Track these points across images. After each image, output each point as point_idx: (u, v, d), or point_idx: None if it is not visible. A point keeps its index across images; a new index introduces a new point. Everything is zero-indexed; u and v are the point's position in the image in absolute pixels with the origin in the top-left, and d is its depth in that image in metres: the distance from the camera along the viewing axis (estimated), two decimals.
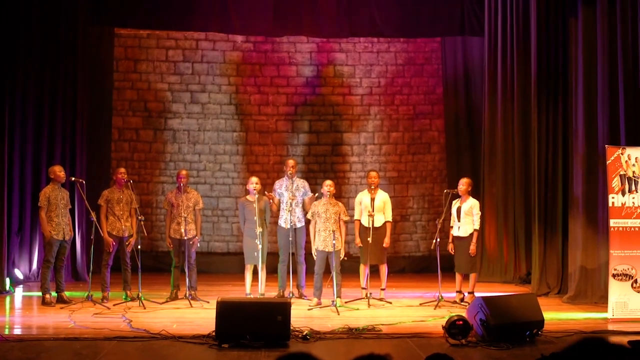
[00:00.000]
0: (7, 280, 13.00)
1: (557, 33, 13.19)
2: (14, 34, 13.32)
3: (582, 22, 12.34)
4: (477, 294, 11.50)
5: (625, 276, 10.91)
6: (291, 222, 12.27)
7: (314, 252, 11.89)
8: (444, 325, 9.19)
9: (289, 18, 14.59)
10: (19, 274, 13.70)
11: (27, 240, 13.87)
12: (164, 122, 16.46)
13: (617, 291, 10.89)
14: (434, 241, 11.83)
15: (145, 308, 11.33)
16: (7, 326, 10.36)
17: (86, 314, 10.91)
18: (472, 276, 12.10)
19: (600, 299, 11.74)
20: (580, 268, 12.18)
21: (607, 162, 11.09)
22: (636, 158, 11.05)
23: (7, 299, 12.58)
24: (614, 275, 10.92)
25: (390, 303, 12.03)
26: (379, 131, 16.71)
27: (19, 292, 13.16)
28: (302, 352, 3.12)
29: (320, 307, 11.57)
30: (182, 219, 12.05)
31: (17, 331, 10.16)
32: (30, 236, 13.89)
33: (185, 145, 16.47)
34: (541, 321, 9.50)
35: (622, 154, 11.09)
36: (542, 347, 8.78)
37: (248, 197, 12.37)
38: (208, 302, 11.56)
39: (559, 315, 11.02)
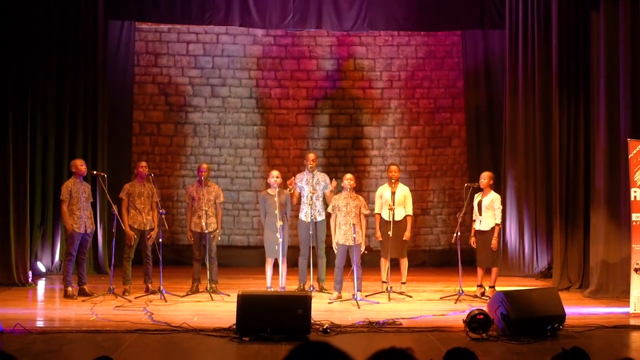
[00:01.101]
0: (30, 273, 13.08)
1: (579, 26, 13.10)
2: (34, 30, 13.35)
3: (603, 15, 12.28)
4: (497, 288, 11.48)
5: None
6: (312, 216, 12.28)
7: (334, 245, 11.89)
8: (464, 319, 9.18)
9: (309, 12, 14.56)
10: (41, 266, 13.81)
11: (49, 234, 13.97)
12: (185, 116, 16.51)
13: (639, 286, 10.83)
14: (455, 235, 11.82)
15: (166, 301, 11.38)
16: (30, 318, 10.44)
17: (108, 307, 10.97)
18: (494, 270, 12.07)
19: (622, 294, 11.67)
20: (601, 262, 12.14)
21: (629, 156, 11.03)
22: None
23: (30, 291, 12.67)
24: (635, 270, 10.87)
25: (411, 297, 12.04)
26: (400, 125, 16.68)
27: (41, 284, 13.24)
28: (321, 341, 3.14)
29: (340, 301, 11.59)
30: (203, 212, 12.08)
31: (40, 323, 10.25)
32: (53, 229, 13.98)
33: (206, 139, 16.51)
34: (562, 315, 9.47)
35: None
36: (564, 342, 8.74)
37: (269, 190, 12.37)
38: (229, 295, 11.60)
39: (581, 310, 10.98)
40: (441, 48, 16.77)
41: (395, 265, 12.43)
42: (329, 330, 9.31)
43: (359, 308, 10.96)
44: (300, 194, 12.56)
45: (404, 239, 12.22)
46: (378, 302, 11.50)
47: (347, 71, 16.70)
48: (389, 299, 11.64)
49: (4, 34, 12.79)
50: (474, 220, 12.21)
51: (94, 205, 12.70)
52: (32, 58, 13.35)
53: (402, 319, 10.10)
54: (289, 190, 12.34)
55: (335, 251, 11.87)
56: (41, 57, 13.61)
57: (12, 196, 12.86)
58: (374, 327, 9.64)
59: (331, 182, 12.51)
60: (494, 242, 11.88)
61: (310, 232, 12.21)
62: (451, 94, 16.73)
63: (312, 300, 9.43)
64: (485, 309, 9.47)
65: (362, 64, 16.70)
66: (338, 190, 12.43)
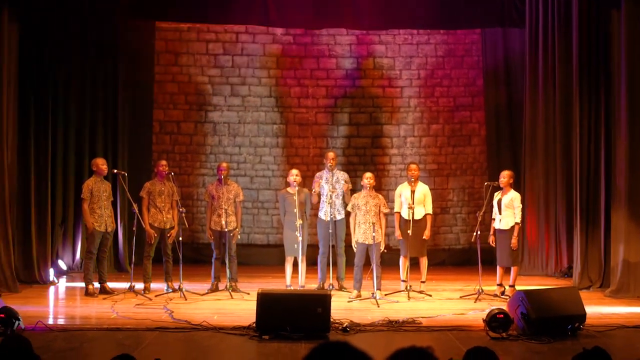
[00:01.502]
0: (51, 271, 13.17)
1: (599, 24, 13.03)
2: (54, 28, 13.42)
3: (624, 13, 12.22)
4: (517, 287, 11.45)
5: None
6: (331, 215, 12.27)
7: (354, 244, 11.90)
8: (484, 318, 9.17)
9: (329, 10, 14.56)
10: (62, 265, 13.88)
11: (70, 232, 14.05)
12: (205, 114, 16.55)
13: None
14: (475, 234, 11.80)
15: (186, 299, 11.43)
16: (51, 316, 10.52)
17: (128, 305, 11.04)
18: (514, 269, 12.03)
19: None
20: (622, 262, 12.07)
21: None
22: None
23: (51, 289, 12.76)
24: None
25: (430, 296, 12.02)
26: (419, 123, 16.66)
27: (62, 282, 13.31)
28: (340, 341, 3.15)
29: (360, 300, 11.59)
30: (223, 211, 12.11)
31: (61, 321, 10.34)
32: (74, 228, 14.07)
33: (226, 137, 16.54)
34: (583, 315, 9.43)
35: None
36: (584, 341, 8.71)
37: (288, 189, 12.41)
38: (248, 294, 11.61)
39: (601, 310, 10.93)
40: (461, 46, 16.73)
41: (414, 264, 12.42)
42: (348, 329, 9.31)
43: (378, 307, 10.96)
44: (320, 193, 12.56)
45: (423, 237, 12.21)
46: (397, 301, 11.49)
47: (367, 70, 16.69)
48: (409, 297, 11.64)
49: (25, 33, 12.85)
50: (493, 219, 12.18)
51: (114, 204, 12.75)
52: (52, 56, 13.43)
53: (422, 317, 10.10)
54: (314, 191, 12.37)
55: (355, 250, 11.87)
56: (62, 55, 13.68)
57: (33, 194, 12.94)
58: (393, 325, 9.64)
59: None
60: (514, 241, 11.85)
61: (330, 231, 12.21)
62: (471, 92, 16.69)
63: (332, 299, 9.45)
64: (505, 308, 9.45)
65: (381, 63, 16.69)
66: (357, 189, 12.44)
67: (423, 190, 12.34)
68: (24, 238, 12.88)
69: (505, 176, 12.06)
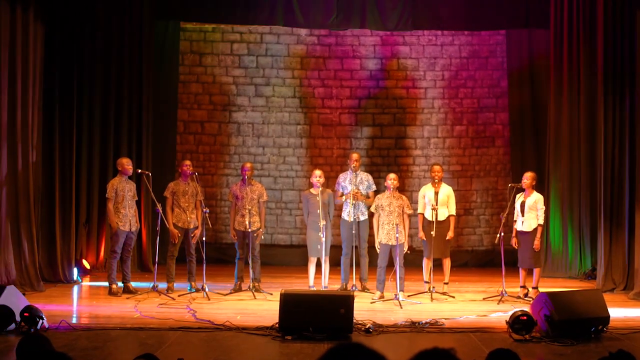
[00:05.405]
0: (75, 271, 13.24)
1: (624, 26, 12.98)
2: (80, 29, 13.53)
3: None
4: (541, 289, 11.40)
5: None
6: (354, 215, 12.27)
7: (377, 245, 11.88)
8: (507, 320, 9.14)
9: (353, 11, 14.56)
10: (86, 264, 13.94)
11: (94, 232, 14.13)
12: (229, 115, 16.61)
13: None
14: (498, 235, 11.74)
15: (209, 299, 11.45)
16: (74, 315, 10.57)
17: (151, 305, 11.08)
18: (536, 271, 11.99)
19: None
20: None
21: None
22: None
23: (75, 288, 12.84)
24: None
25: (453, 297, 11.99)
26: (443, 124, 16.63)
27: (86, 282, 13.38)
28: (356, 342, 3.15)
29: (383, 301, 11.57)
30: (247, 211, 12.13)
31: (85, 320, 10.36)
32: (98, 227, 14.15)
33: (250, 138, 16.60)
34: (607, 317, 9.37)
35: None
36: (608, 344, 8.66)
37: (312, 190, 12.42)
38: (271, 294, 11.65)
39: (625, 312, 10.86)
40: (485, 47, 16.70)
41: (437, 266, 12.40)
42: (371, 330, 9.28)
43: (401, 308, 10.94)
44: (342, 193, 12.55)
45: (447, 239, 12.19)
46: (420, 302, 11.47)
47: (391, 71, 16.69)
48: (432, 299, 11.61)
49: (50, 33, 12.94)
50: (515, 221, 12.13)
51: (138, 203, 12.80)
52: (77, 56, 13.51)
53: (445, 319, 10.05)
54: (343, 200, 12.38)
55: (378, 251, 11.86)
56: (86, 55, 13.77)
57: (57, 194, 13.04)
58: (416, 327, 9.62)
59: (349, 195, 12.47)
60: (537, 242, 11.81)
61: (353, 232, 12.21)
62: (495, 93, 16.65)
63: (355, 300, 9.43)
64: (528, 310, 9.41)
65: (405, 64, 16.68)
66: (381, 190, 12.42)
67: (446, 191, 12.32)
68: (48, 237, 12.98)
69: (528, 178, 12.01)
